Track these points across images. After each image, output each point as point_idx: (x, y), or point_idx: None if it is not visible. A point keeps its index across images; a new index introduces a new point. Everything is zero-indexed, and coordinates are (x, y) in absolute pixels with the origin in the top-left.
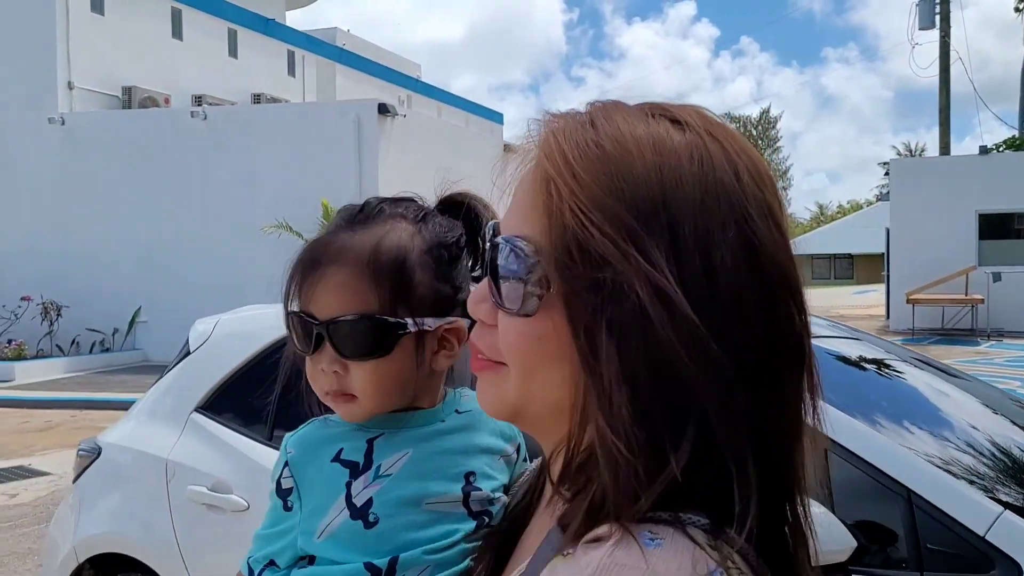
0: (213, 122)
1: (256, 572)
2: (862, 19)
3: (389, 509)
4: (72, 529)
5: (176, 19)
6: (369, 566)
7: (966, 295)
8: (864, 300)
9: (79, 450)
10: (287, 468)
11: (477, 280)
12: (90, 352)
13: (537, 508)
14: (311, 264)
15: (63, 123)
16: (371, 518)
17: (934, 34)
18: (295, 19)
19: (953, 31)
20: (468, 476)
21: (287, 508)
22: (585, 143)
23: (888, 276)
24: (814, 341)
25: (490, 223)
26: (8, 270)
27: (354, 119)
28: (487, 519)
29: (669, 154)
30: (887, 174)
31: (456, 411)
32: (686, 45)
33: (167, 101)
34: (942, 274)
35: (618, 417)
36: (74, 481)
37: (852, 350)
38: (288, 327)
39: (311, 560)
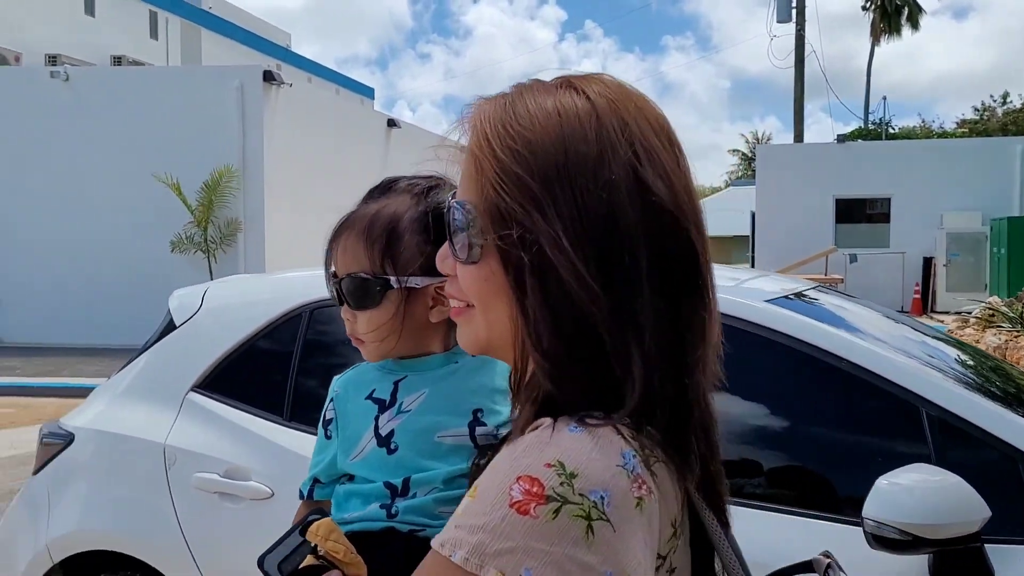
0: (76, 84)
1: (306, 491)
2: (699, 10)
3: (407, 439)
4: (40, 528)
5: None
6: (388, 484)
7: (826, 275)
8: None
9: (42, 437)
10: (331, 403)
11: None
12: None
13: None
14: (336, 232)
15: None
16: (392, 446)
17: (760, 25)
18: None
19: (782, 26)
20: (476, 412)
21: (327, 437)
22: (501, 121)
23: (753, 257)
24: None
25: (451, 192)
26: None
27: (238, 86)
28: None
29: (570, 120)
30: (752, 160)
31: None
32: (533, 26)
33: (18, 59)
34: (802, 255)
35: (542, 338)
36: (35, 472)
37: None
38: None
39: (350, 478)
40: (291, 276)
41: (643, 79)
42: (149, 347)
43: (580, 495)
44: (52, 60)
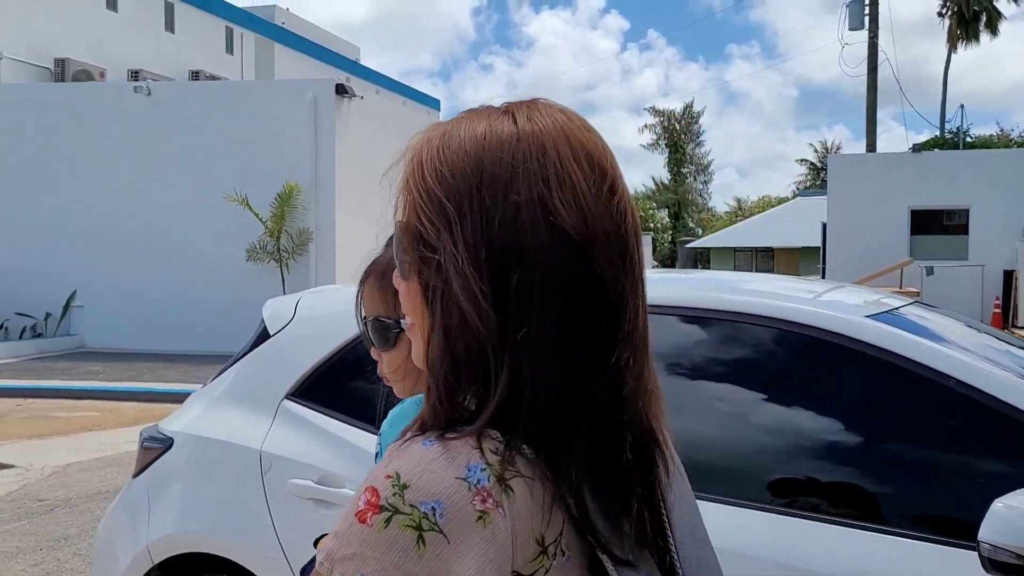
0: (158, 98)
1: None
2: (764, 18)
3: None
4: (140, 530)
5: None
6: None
7: (901, 288)
8: None
9: (143, 441)
10: (379, 439)
11: None
12: (20, 338)
13: None
14: (362, 277)
15: None
16: None
17: (828, 33)
18: None
19: (853, 34)
20: None
21: None
22: (439, 145)
23: (824, 268)
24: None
25: None
26: None
27: (311, 99)
28: None
29: (492, 144)
30: (820, 170)
31: None
32: (595, 36)
33: (102, 75)
34: (876, 267)
35: (434, 355)
36: (135, 476)
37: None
38: None
39: None
40: None
41: (706, 88)
42: (244, 355)
43: (411, 506)
44: (134, 75)
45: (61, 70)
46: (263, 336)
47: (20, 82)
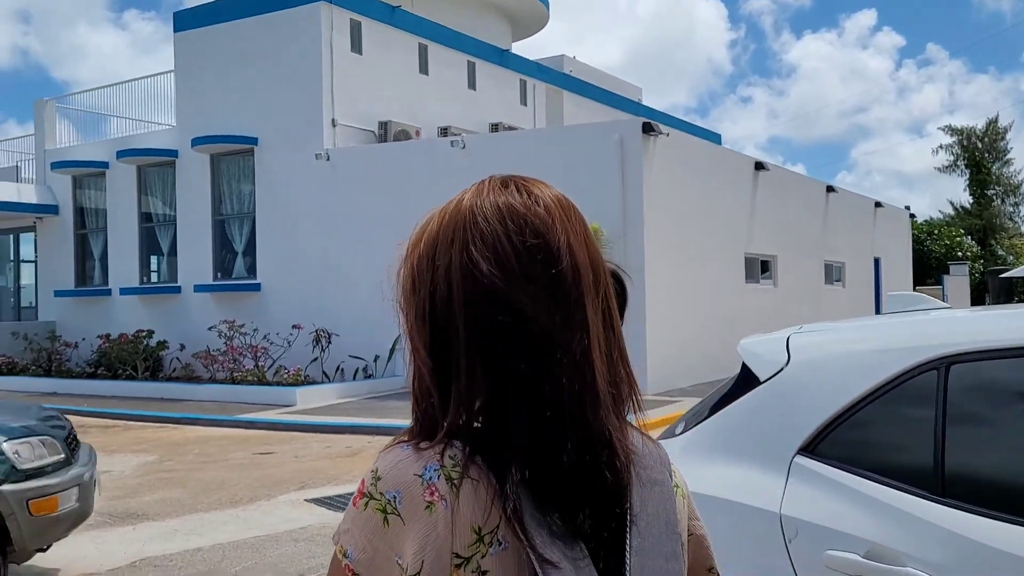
0: (471, 150)
1: None
2: None
3: None
4: None
5: (423, 54)
6: None
7: None
8: None
9: None
10: None
11: None
12: (353, 378)
13: None
14: None
15: (328, 158)
16: None
17: None
18: (519, 48)
19: None
20: None
21: None
22: (426, 231)
23: None
24: None
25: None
26: (278, 298)
27: (617, 140)
28: None
29: (447, 220)
30: None
31: None
32: (864, 56)
33: (418, 133)
34: None
35: (413, 387)
36: None
37: None
38: None
39: None
40: (906, 322)
41: (1001, 104)
42: (723, 401)
43: (380, 493)
44: (443, 131)
45: (384, 131)
46: (748, 380)
47: (352, 145)
